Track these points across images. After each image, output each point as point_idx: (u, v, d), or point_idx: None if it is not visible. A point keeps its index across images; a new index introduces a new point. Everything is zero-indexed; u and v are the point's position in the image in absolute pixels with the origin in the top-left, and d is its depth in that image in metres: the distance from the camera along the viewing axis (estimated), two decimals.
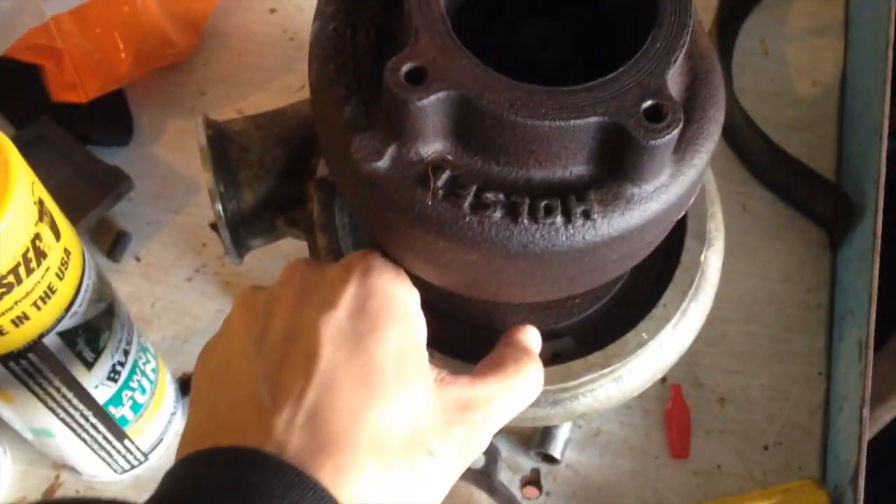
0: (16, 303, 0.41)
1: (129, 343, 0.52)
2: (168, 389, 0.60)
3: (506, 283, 0.41)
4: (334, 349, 0.35)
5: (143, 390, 0.55)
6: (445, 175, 0.37)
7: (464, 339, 0.51)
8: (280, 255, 0.69)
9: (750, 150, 0.74)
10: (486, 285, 0.42)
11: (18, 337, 0.43)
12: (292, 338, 0.36)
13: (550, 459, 0.61)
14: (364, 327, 0.36)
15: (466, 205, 0.37)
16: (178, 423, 0.61)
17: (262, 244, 0.61)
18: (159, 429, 0.59)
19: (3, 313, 0.41)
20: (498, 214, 0.37)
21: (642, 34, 0.37)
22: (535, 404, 0.54)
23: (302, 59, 0.81)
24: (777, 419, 0.65)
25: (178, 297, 0.69)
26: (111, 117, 0.74)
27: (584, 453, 0.63)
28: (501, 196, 0.37)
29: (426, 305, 0.41)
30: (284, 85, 0.79)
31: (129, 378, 0.53)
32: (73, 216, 0.67)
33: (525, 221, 0.37)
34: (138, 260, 0.70)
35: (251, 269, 0.69)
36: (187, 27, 0.76)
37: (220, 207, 0.56)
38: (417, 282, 0.41)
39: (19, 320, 0.42)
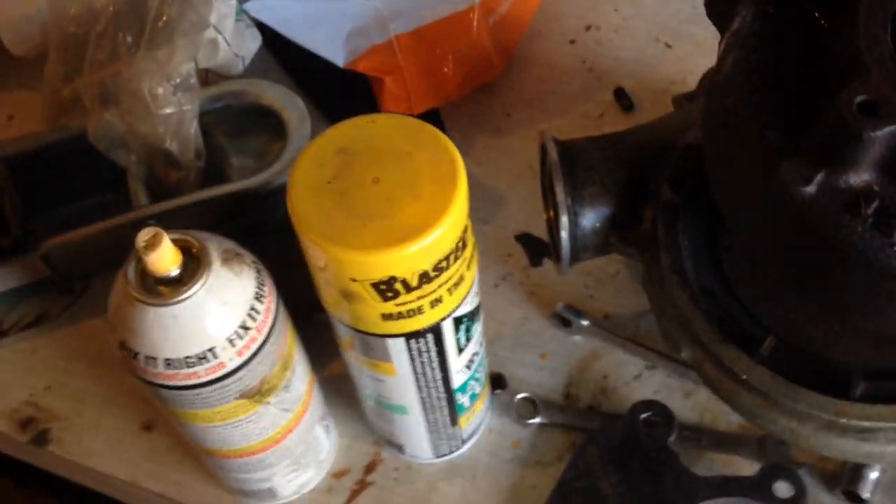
0: (440, 286, 0.46)
1: (482, 335, 0.57)
2: (487, 386, 0.64)
3: None
4: None
5: (481, 382, 0.59)
6: (875, 203, 0.39)
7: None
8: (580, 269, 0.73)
9: None
10: (879, 315, 0.44)
11: (429, 318, 0.48)
12: None
13: (858, 500, 0.61)
14: None
15: None
16: (489, 420, 0.65)
17: (590, 258, 0.64)
18: (478, 421, 0.63)
19: (429, 294, 0.46)
20: None
21: None
22: (871, 440, 0.54)
23: (600, 89, 0.86)
24: None
25: (486, 301, 0.73)
26: None
27: (892, 498, 0.62)
28: None
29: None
30: (583, 113, 0.83)
31: (477, 369, 0.57)
32: None
33: None
34: None
35: (553, 281, 0.73)
36: (503, 52, 0.81)
37: (565, 220, 0.61)
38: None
39: (436, 302, 0.47)
